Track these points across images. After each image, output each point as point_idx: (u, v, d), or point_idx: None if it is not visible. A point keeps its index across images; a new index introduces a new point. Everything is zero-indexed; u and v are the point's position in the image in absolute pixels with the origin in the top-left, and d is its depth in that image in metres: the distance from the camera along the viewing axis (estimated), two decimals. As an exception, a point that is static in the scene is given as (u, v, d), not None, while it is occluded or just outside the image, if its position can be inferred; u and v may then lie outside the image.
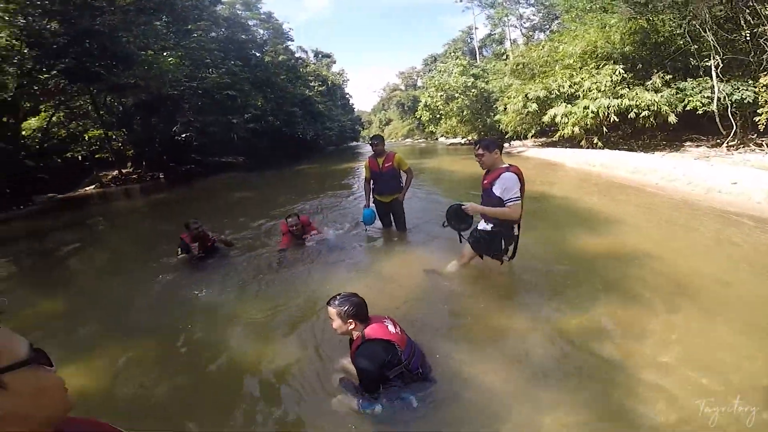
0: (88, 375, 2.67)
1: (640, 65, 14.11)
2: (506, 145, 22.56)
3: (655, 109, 12.19)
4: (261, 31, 25.69)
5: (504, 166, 3.09)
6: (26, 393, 0.58)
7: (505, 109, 19.21)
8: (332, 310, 2.14)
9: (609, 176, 9.52)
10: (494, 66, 27.89)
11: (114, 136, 17.31)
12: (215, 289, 3.94)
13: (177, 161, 17.86)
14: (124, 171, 17.27)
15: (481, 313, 3.06)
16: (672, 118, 12.06)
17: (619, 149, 13.38)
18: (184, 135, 16.98)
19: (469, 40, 46.91)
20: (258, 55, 24.16)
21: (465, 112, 25.64)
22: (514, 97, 17.71)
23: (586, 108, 13.57)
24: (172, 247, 4.73)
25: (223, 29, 21.07)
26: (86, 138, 16.97)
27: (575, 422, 1.92)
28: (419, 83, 58.47)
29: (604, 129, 13.99)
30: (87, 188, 15.78)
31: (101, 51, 12.68)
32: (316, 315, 3.16)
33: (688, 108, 11.91)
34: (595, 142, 14.39)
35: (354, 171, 15.86)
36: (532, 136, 19.74)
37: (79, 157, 16.66)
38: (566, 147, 15.89)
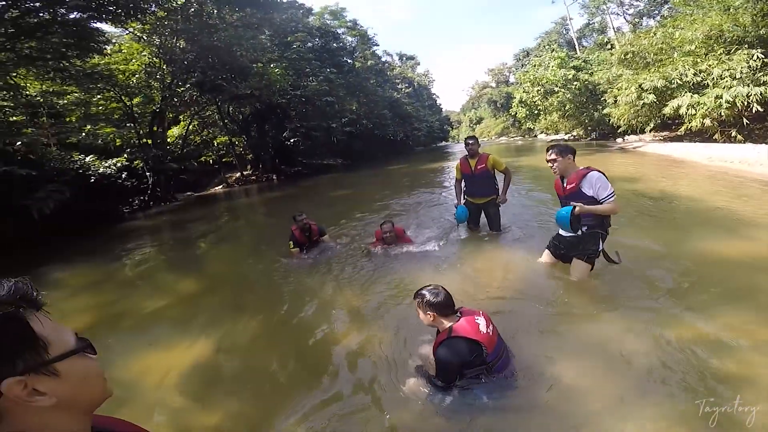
0: (208, 343, 3.20)
1: None
2: (619, 140, 20.39)
3: None
4: (349, 39, 26.98)
5: (582, 168, 3.03)
6: (75, 379, 0.63)
7: (616, 101, 17.40)
8: (415, 302, 2.20)
9: (749, 174, 8.00)
10: (598, 56, 25.47)
11: (236, 142, 20.02)
12: (318, 275, 4.40)
13: (287, 164, 20.02)
14: (244, 173, 19.90)
15: (579, 313, 2.91)
16: None
17: (766, 143, 11.20)
18: (292, 140, 18.88)
19: (564, 32, 43.72)
20: (349, 61, 25.53)
21: (567, 107, 23.85)
22: (625, 88, 15.94)
23: (718, 98, 11.57)
24: (284, 235, 5.35)
25: (316, 39, 22.69)
26: (215, 144, 19.97)
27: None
28: (511, 79, 55.88)
29: (745, 120, 11.77)
30: (216, 188, 18.55)
31: (221, 65, 14.77)
32: (402, 304, 3.33)
33: None
34: (733, 135, 12.16)
35: (444, 170, 15.92)
36: (650, 130, 17.51)
37: (210, 161, 19.63)
38: (695, 141, 13.79)
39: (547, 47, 40.08)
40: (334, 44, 24.31)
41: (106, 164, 15.46)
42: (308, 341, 3.02)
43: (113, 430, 0.75)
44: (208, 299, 4.36)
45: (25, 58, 10.35)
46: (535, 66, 28.60)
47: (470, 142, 4.81)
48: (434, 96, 52.39)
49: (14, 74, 11.12)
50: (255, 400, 2.44)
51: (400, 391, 2.26)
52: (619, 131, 19.26)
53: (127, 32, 14.22)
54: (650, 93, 14.46)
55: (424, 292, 2.17)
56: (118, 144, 15.33)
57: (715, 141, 12.73)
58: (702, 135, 13.66)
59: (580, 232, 3.10)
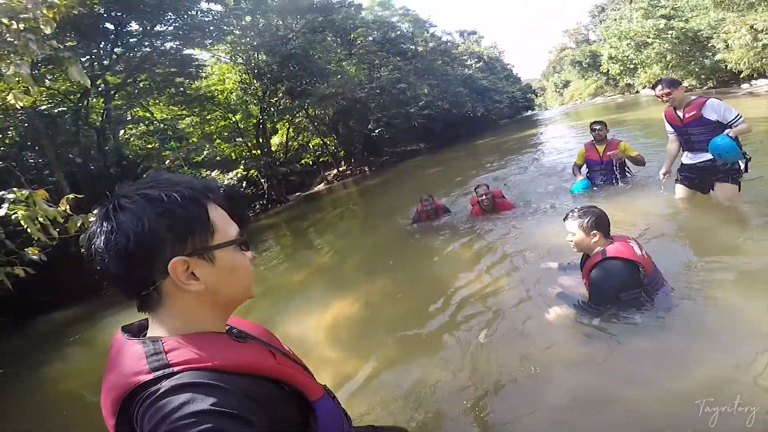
0: (345, 303, 3.76)
1: None
2: (745, 85, 17.54)
3: None
4: (405, 25, 26.73)
5: (696, 97, 3.10)
6: (225, 270, 0.65)
7: (728, 46, 15.40)
8: (572, 223, 2.08)
9: None
10: (688, 2, 21.95)
11: (328, 142, 21.72)
12: (433, 239, 4.87)
13: (375, 155, 21.16)
14: (340, 169, 21.51)
15: (737, 241, 2.83)
16: None
17: None
18: (376, 131, 19.85)
19: None
20: (411, 47, 25.31)
21: (669, 57, 21.09)
22: (735, 32, 14.13)
23: None
24: (396, 210, 6.17)
25: (375, 32, 23.03)
26: (311, 146, 21.98)
27: None
28: (591, 37, 50.32)
29: None
30: (318, 186, 20.37)
31: (303, 70, 15.88)
32: (512, 258, 3.53)
33: None
34: None
35: (534, 137, 15.52)
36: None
37: (310, 162, 21.69)
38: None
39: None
40: (392, 33, 24.43)
41: (229, 176, 18.23)
42: (442, 289, 3.35)
43: (245, 330, 0.76)
44: (345, 267, 5.16)
45: (142, 90, 12.47)
46: (616, 20, 25.65)
47: (597, 127, 4.46)
48: (509, 66, 49.55)
49: (141, 104, 13.50)
50: (398, 346, 2.72)
51: (543, 321, 2.36)
52: (741, 76, 16.76)
53: (213, 56, 16.14)
54: (767, 33, 12.45)
55: (586, 211, 2.08)
56: (233, 158, 17.76)
57: None
58: None
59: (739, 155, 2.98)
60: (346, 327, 3.33)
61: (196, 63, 13.67)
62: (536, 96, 55.02)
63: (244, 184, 17.21)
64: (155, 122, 14.57)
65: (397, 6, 26.18)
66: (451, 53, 31.03)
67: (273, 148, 19.45)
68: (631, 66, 25.43)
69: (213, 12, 13.01)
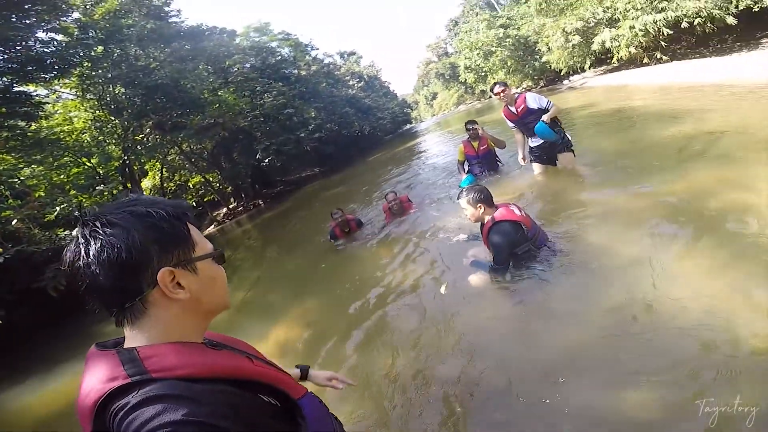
0: (282, 329, 3.78)
1: None
2: (566, 81, 21.55)
3: (706, 14, 11.14)
4: (285, 50, 26.82)
5: (517, 92, 4.04)
6: (206, 280, 0.71)
7: (549, 48, 18.78)
8: (462, 201, 2.57)
9: (687, 83, 8.95)
10: (518, 11, 26.62)
11: (210, 179, 20.10)
12: (351, 256, 5.04)
13: (267, 186, 20.21)
14: (230, 207, 19.99)
15: (585, 194, 3.71)
16: (731, 20, 10.88)
17: (689, 59, 12.43)
18: (267, 160, 19.08)
19: None
20: (294, 72, 25.47)
21: (509, 63, 24.87)
22: (552, 35, 17.39)
23: (632, 28, 13.07)
24: (304, 238, 6.28)
25: (252, 58, 22.61)
26: (191, 186, 20.02)
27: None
28: (449, 50, 56.98)
29: (662, 43, 13.15)
30: (208, 229, 18.58)
31: (173, 101, 14.60)
32: (426, 249, 3.98)
33: (741, 8, 10.63)
34: (659, 57, 13.60)
35: (418, 146, 17.08)
36: (589, 67, 18.77)
37: (193, 204, 19.69)
38: (630, 69, 15.09)
39: (470, 12, 41.24)
40: (272, 59, 24.19)
41: (98, 234, 15.28)
42: (374, 290, 3.58)
43: (222, 342, 0.79)
44: (270, 296, 5.04)
45: None
46: (467, 32, 29.54)
47: (471, 126, 5.07)
48: (386, 84, 52.86)
49: None
50: (350, 353, 2.84)
51: (465, 290, 2.78)
52: (562, 74, 20.51)
53: (54, 92, 13.76)
54: (574, 35, 15.92)
55: (470, 189, 2.57)
56: (96, 210, 15.12)
57: (646, 65, 14.15)
58: (634, 62, 14.99)
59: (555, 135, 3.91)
60: (292, 351, 3.28)
61: (33, 101, 11.30)
62: (412, 110, 59.51)
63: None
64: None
65: (275, 31, 25.84)
66: (335, 75, 31.78)
67: (145, 193, 17.21)
68: (483, 74, 29.25)
69: (55, 42, 11.12)
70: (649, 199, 3.14)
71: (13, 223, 9.97)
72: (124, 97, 14.18)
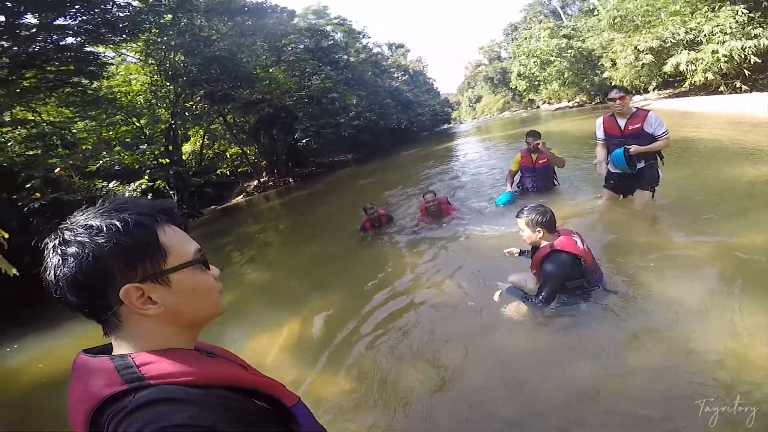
0: (296, 320, 3.58)
1: (766, 3, 11.62)
2: (625, 101, 20.50)
3: None
4: (339, 35, 26.97)
5: (640, 109, 3.39)
6: (184, 292, 0.65)
7: (614, 64, 17.80)
8: (521, 221, 2.39)
9: (761, 117, 8.13)
10: (585, 23, 25.39)
11: (248, 151, 20.41)
12: (379, 252, 4.86)
13: (300, 165, 20.40)
14: (261, 180, 20.33)
15: (648, 240, 3.30)
16: None
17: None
18: (304, 141, 19.26)
19: (546, 2, 43.36)
20: (344, 57, 25.58)
21: (566, 74, 23.84)
22: (621, 51, 16.42)
23: (714, 52, 11.94)
24: (333, 224, 6.16)
25: (307, 39, 22.85)
26: (228, 156, 20.40)
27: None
28: (503, 54, 55.46)
29: (746, 72, 12.03)
30: (237, 198, 18.99)
31: (227, 74, 14.89)
32: (460, 259, 3.78)
33: None
34: (737, 86, 12.44)
35: (456, 148, 16.44)
36: (653, 89, 17.66)
37: (227, 173, 20.06)
38: (700, 95, 13.98)
39: (533, 19, 39.86)
40: (325, 42, 24.37)
41: (130, 188, 16.02)
42: (399, 295, 3.41)
43: (213, 352, 0.76)
44: (287, 283, 4.87)
45: (23, 91, 10.42)
46: (526, 39, 28.53)
47: (531, 139, 4.69)
48: (431, 80, 52.18)
49: (26, 104, 11.41)
50: (362, 358, 2.69)
51: (500, 315, 2.58)
52: (622, 93, 19.42)
53: (120, 54, 14.32)
54: (647, 53, 14.91)
55: (532, 209, 2.37)
56: (136, 167, 15.75)
57: (721, 93, 12.95)
58: (707, 89, 13.90)
59: (636, 168, 3.43)
60: (302, 345, 3.14)
61: (99, 61, 11.84)
62: (453, 110, 58.56)
63: (149, 197, 15.14)
64: (42, 125, 12.22)
65: (332, 15, 25.97)
66: (381, 65, 31.67)
67: (184, 157, 17.69)
68: (536, 83, 28.29)
69: (131, 7, 11.46)
70: (717, 250, 2.85)
71: (56, 171, 10.40)
72: (182, 64, 14.54)
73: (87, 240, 0.59)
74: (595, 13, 24.77)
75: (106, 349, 0.65)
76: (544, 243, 2.36)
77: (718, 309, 2.24)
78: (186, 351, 0.66)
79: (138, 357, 0.60)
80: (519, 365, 2.21)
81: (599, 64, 20.68)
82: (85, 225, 0.61)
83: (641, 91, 18.28)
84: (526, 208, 2.42)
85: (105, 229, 0.60)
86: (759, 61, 11.40)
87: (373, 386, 2.33)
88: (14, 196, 8.95)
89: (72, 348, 3.99)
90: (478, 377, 2.20)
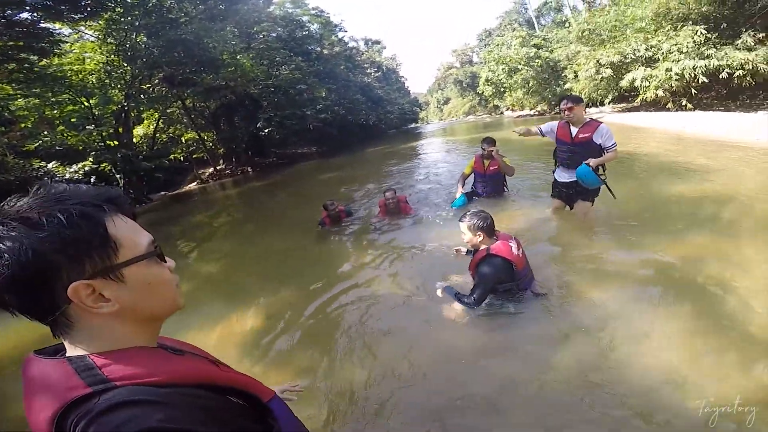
0: (247, 314, 3.46)
1: (725, 24, 12.64)
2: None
3: (751, 67, 10.99)
4: (314, 26, 26.56)
5: (592, 119, 3.45)
6: (139, 287, 0.60)
7: (576, 76, 18.55)
8: (464, 225, 2.49)
9: (702, 136, 8.84)
10: (556, 34, 26.42)
11: (205, 137, 19.50)
12: (336, 248, 4.82)
13: (260, 155, 19.71)
14: (218, 168, 19.46)
15: (584, 244, 3.48)
16: None
17: (713, 111, 12.20)
18: (266, 130, 18.63)
19: (523, 11, 44.77)
20: (317, 49, 25.12)
21: (531, 83, 24.68)
22: (584, 64, 17.14)
23: (668, 70, 12.73)
24: (285, 218, 6.04)
25: (280, 28, 22.30)
26: (183, 141, 19.35)
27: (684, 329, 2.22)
28: (475, 59, 56.71)
29: (693, 90, 12.94)
30: (190, 185, 18.08)
31: (190, 58, 14.24)
32: (411, 257, 3.86)
33: None
34: (683, 104, 13.37)
35: (421, 148, 16.57)
36: (609, 102, 18.64)
37: (181, 158, 19.03)
38: (650, 111, 14.89)
39: (508, 26, 40.93)
40: (300, 33, 23.86)
41: (72, 170, 14.80)
42: (342, 297, 3.38)
43: (180, 348, 0.72)
44: (239, 275, 4.70)
45: None
46: (498, 45, 29.23)
47: (486, 146, 4.76)
48: (402, 79, 52.40)
49: None
50: (312, 354, 2.67)
51: (440, 312, 2.68)
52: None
53: (77, 32, 13.50)
54: (607, 68, 15.66)
55: (474, 215, 2.48)
56: (80, 148, 14.57)
57: (668, 110, 13.89)
58: (656, 105, 14.80)
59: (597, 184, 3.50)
60: (250, 340, 3.03)
61: (53, 38, 11.02)
62: (421, 110, 59.16)
63: (92, 180, 14.15)
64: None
65: (310, 6, 25.44)
66: (355, 60, 31.33)
67: (135, 140, 16.60)
68: (502, 89, 29.07)
69: None
70: (644, 261, 3.03)
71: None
72: (143, 45, 13.76)
73: (24, 234, 0.52)
74: (567, 25, 25.79)
75: (59, 350, 0.61)
76: (483, 246, 2.47)
77: (639, 313, 2.41)
78: (150, 349, 0.62)
79: (98, 358, 0.56)
80: (452, 358, 2.30)
81: (563, 75, 21.52)
82: (21, 218, 0.53)
83: (598, 103, 19.23)
84: (468, 213, 2.54)
85: (45, 222, 0.53)
86: (706, 80, 12.25)
87: (317, 378, 2.37)
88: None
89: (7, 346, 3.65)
90: (411, 368, 2.27)
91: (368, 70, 36.49)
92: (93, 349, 0.57)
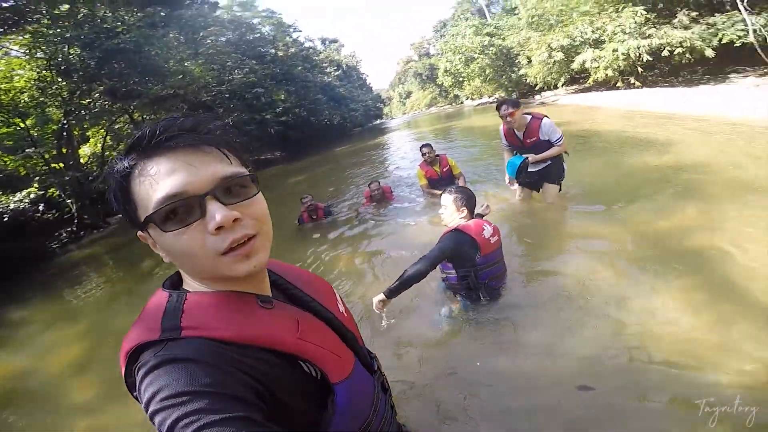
0: None
1: (662, 4, 13.37)
2: (538, 96, 22.10)
3: (688, 45, 11.64)
4: (267, 28, 25.90)
5: (534, 116, 3.45)
6: (164, 250, 0.59)
7: (530, 61, 19.09)
8: (448, 197, 2.38)
9: (651, 111, 9.27)
10: (507, 22, 26.95)
11: (161, 152, 18.55)
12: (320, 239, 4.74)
13: (222, 165, 19.01)
14: (177, 182, 18.51)
15: (560, 227, 3.50)
16: (709, 53, 11.39)
17: (659, 87, 12.94)
18: (223, 138, 17.97)
19: (474, 1, 45.43)
20: (272, 51, 24.55)
21: (488, 71, 25.08)
22: (536, 49, 17.66)
23: (615, 51, 13.38)
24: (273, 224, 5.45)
25: (229, 32, 21.61)
26: (137, 157, 18.35)
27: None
28: (432, 51, 57.19)
29: (639, 69, 13.63)
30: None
31: (132, 68, 13.35)
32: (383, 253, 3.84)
33: (723, 42, 11.14)
34: (631, 82, 14.13)
35: (387, 143, 16.61)
36: (562, 85, 19.26)
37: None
38: (601, 90, 15.55)
39: (461, 16, 41.44)
40: (251, 35, 23.17)
41: (16, 198, 13.71)
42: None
43: (296, 284, 0.75)
44: None
45: None
46: (453, 35, 29.54)
47: (426, 150, 4.76)
48: (364, 75, 52.09)
49: None
50: None
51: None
52: (536, 89, 21.09)
53: (1, 48, 12.21)
54: (558, 51, 16.23)
55: (461, 190, 2.41)
56: (21, 173, 13.51)
57: (618, 89, 14.58)
58: (607, 84, 15.52)
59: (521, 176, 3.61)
60: None
61: None
62: (384, 105, 59.21)
63: (41, 208, 13.18)
64: None
65: (260, 8, 24.72)
66: (313, 60, 30.71)
67: (83, 160, 15.53)
68: (460, 79, 29.42)
69: None
70: (618, 237, 3.02)
71: None
72: (77, 58, 12.69)
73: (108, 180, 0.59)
74: (516, 12, 26.44)
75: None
76: (456, 223, 2.34)
77: (629, 289, 2.35)
78: (238, 297, 0.61)
79: (191, 298, 0.58)
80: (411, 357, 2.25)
81: (517, 61, 22.06)
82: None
83: (552, 87, 19.85)
84: (455, 187, 2.45)
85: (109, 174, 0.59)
86: (650, 59, 12.91)
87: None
88: None
89: None
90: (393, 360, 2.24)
91: (328, 69, 35.90)
92: (193, 285, 0.61)
